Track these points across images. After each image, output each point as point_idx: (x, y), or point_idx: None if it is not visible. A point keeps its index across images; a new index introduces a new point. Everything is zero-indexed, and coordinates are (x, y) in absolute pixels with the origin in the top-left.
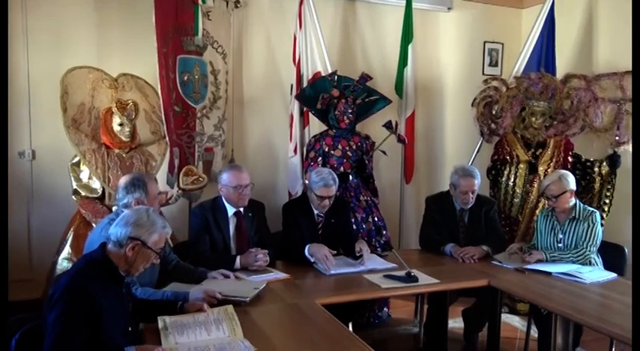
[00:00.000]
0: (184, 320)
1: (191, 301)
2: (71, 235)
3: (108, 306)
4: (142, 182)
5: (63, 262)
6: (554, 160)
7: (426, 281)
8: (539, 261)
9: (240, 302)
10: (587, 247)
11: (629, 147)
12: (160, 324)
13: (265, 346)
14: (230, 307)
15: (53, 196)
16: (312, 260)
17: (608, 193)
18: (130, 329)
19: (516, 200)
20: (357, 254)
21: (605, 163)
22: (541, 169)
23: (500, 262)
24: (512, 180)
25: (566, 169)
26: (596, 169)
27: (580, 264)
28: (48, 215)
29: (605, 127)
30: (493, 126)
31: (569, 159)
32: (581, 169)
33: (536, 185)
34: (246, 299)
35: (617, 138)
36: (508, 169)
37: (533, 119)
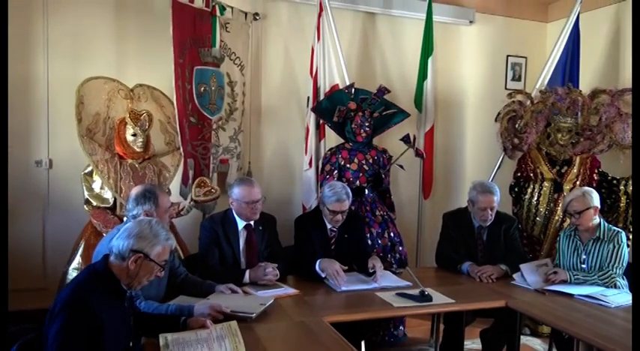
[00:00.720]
0: (186, 337)
1: (196, 316)
2: (82, 245)
3: (109, 320)
4: (153, 194)
5: (73, 273)
6: (580, 178)
7: (441, 301)
8: (562, 282)
9: (246, 318)
10: (613, 269)
11: None
12: (162, 341)
13: None
14: (234, 323)
15: (69, 205)
16: (323, 276)
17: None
18: (131, 345)
19: (539, 219)
20: (370, 271)
21: (631, 181)
22: (566, 187)
23: (523, 278)
24: (535, 198)
25: (592, 187)
26: (622, 187)
27: (605, 286)
28: (63, 224)
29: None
30: (516, 141)
31: (595, 177)
32: (607, 187)
33: (560, 204)
34: (252, 315)
35: None
36: (532, 186)
37: (560, 135)
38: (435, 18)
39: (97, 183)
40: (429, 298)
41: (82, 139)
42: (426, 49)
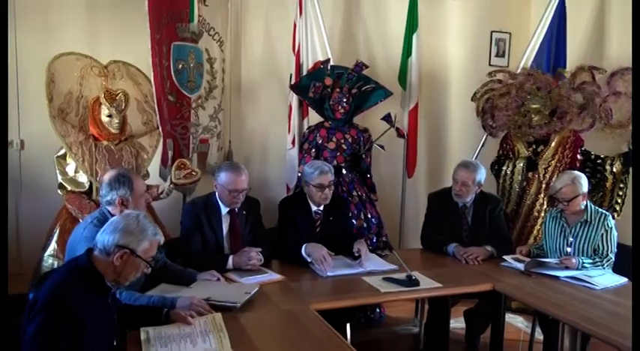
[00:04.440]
0: (169, 332)
1: (178, 309)
2: (57, 231)
3: (92, 319)
4: (128, 178)
5: (48, 259)
6: (556, 157)
7: (428, 285)
8: (568, 268)
9: (231, 308)
10: (610, 255)
11: None
12: (143, 336)
13: None
14: (218, 316)
15: (43, 188)
16: (309, 260)
17: (620, 193)
18: (115, 343)
19: (513, 197)
20: (356, 254)
21: (619, 161)
22: (542, 166)
23: (509, 263)
24: (509, 176)
25: (574, 166)
26: (607, 167)
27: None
28: (37, 208)
29: (621, 123)
30: (490, 121)
31: (579, 156)
32: (592, 166)
33: (534, 183)
34: (237, 305)
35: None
36: (507, 164)
37: (531, 116)
38: None
39: (70, 166)
40: (416, 283)
41: (53, 120)
42: (411, 25)
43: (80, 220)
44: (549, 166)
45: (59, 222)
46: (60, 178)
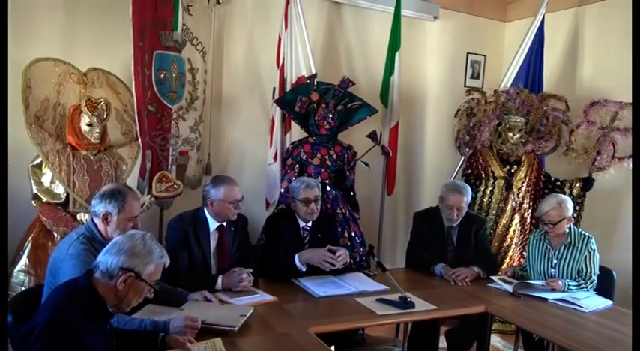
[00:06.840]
0: None
1: (172, 333)
2: (29, 245)
3: (92, 346)
4: (122, 196)
5: (19, 275)
6: (527, 178)
7: (423, 307)
8: (555, 290)
9: (227, 331)
10: (593, 276)
11: (606, 175)
12: None
13: None
14: (218, 341)
15: (12, 200)
16: (304, 270)
17: (575, 215)
18: None
19: (491, 217)
20: (337, 255)
21: (578, 185)
22: (516, 187)
23: (497, 284)
24: (488, 196)
25: (539, 187)
26: (566, 190)
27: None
28: None
29: (586, 150)
30: (467, 138)
31: (542, 178)
32: (551, 188)
33: (509, 203)
34: (234, 328)
35: (595, 163)
36: (484, 185)
37: (510, 135)
38: (401, 12)
39: (46, 176)
40: (411, 305)
41: (29, 127)
42: (394, 44)
43: (55, 234)
44: (522, 186)
45: (31, 235)
46: (35, 189)
